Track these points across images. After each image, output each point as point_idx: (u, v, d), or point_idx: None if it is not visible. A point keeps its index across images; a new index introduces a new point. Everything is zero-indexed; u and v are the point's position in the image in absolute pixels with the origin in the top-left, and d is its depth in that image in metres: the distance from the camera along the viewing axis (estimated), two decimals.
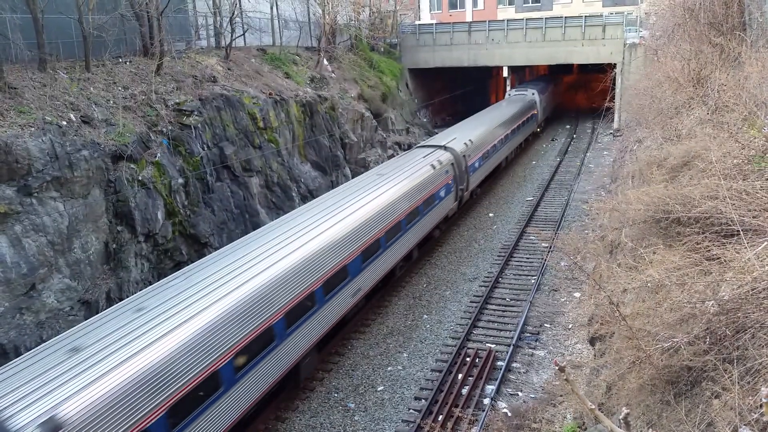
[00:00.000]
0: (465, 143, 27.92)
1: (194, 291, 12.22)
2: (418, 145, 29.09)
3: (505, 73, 48.90)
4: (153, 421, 9.82)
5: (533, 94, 47.33)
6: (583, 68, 69.12)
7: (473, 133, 30.39)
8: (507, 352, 17.18)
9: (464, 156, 27.00)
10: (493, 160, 33.64)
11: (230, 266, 13.44)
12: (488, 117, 36.59)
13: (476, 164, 29.14)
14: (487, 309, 20.13)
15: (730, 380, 6.21)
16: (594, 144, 45.45)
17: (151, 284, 17.98)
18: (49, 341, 10.76)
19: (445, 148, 26.22)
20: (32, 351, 10.42)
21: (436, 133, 34.87)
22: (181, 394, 10.41)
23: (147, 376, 9.87)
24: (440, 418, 14.40)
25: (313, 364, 16.02)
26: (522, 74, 63.11)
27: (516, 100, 45.03)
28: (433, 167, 23.52)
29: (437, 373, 16.41)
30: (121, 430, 9.27)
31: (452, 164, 25.44)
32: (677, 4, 23.09)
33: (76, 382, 9.09)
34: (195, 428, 10.81)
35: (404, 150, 35.56)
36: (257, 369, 12.67)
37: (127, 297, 14.27)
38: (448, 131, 31.96)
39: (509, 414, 14.35)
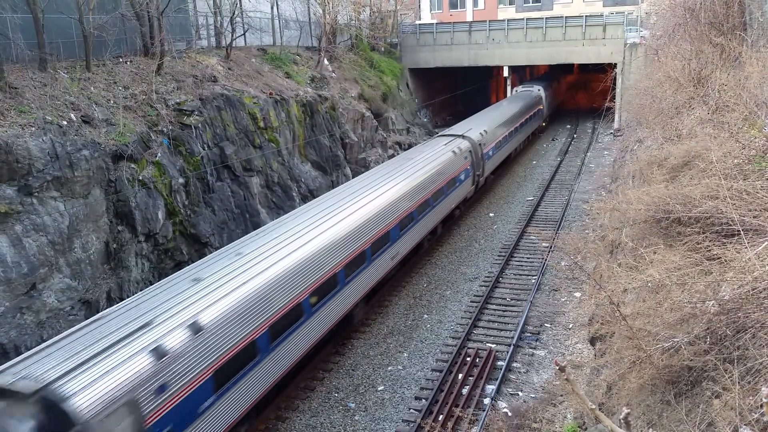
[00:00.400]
0: (480, 133, 30.21)
1: (278, 241, 15.17)
2: (439, 134, 31.18)
3: (506, 73, 48.88)
4: (259, 335, 12.83)
5: (539, 90, 48.66)
6: (584, 68, 69.19)
7: (488, 124, 32.70)
8: (507, 352, 17.18)
9: (480, 144, 29.40)
10: (505, 150, 36.03)
11: (302, 225, 16.48)
12: (500, 110, 38.70)
13: (490, 152, 31.57)
14: (487, 309, 20.13)
15: (731, 380, 6.20)
16: (594, 144, 45.44)
17: (151, 284, 18.06)
18: (174, 275, 13.83)
19: (463, 137, 28.50)
20: (163, 281, 13.49)
21: (437, 133, 36.22)
22: (275, 318, 13.42)
23: (253, 300, 12.76)
24: (440, 417, 14.40)
25: (362, 313, 19.37)
26: (522, 74, 63.13)
27: (523, 95, 46.36)
28: (454, 153, 25.94)
29: (437, 373, 16.41)
30: (237, 337, 12.16)
31: (470, 151, 27.87)
32: (678, 3, 23.09)
33: (204, 300, 11.95)
34: (287, 344, 13.98)
35: (404, 150, 35.60)
36: (326, 306, 15.80)
37: (128, 297, 14.29)
38: (464, 122, 33.89)
39: (510, 414, 14.35)
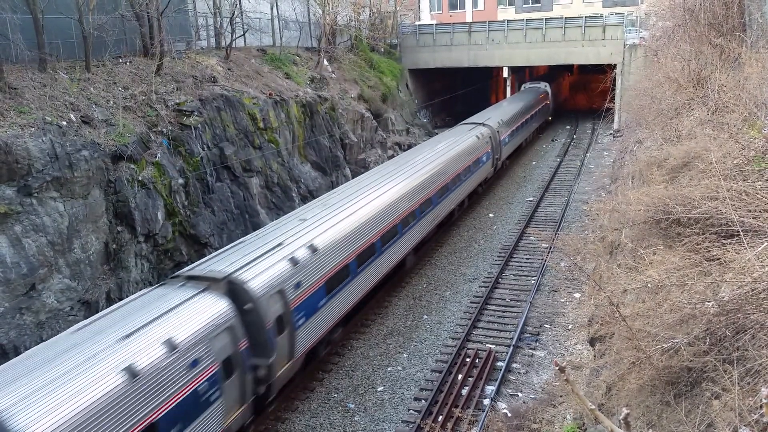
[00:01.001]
0: (498, 122, 34.63)
1: (352, 198, 19.45)
2: (461, 123, 35.02)
3: (505, 74, 48.91)
4: (350, 261, 17.22)
5: (545, 86, 52.70)
6: (583, 69, 69.27)
7: (503, 114, 37.20)
8: (507, 353, 17.18)
9: (498, 131, 33.79)
10: (518, 138, 40.47)
11: (368, 187, 20.79)
12: (513, 103, 43.05)
13: (506, 139, 36.03)
14: (487, 309, 20.13)
15: (730, 381, 6.20)
16: (594, 145, 45.45)
17: (151, 284, 18.06)
18: (283, 216, 19.21)
19: (483, 124, 32.91)
20: (277, 221, 18.43)
21: (437, 134, 37.58)
22: (359, 251, 17.77)
23: (346, 235, 17.16)
24: (440, 418, 14.39)
25: (413, 260, 23.75)
26: (522, 75, 63.19)
27: (532, 90, 50.44)
28: (477, 138, 30.52)
29: (437, 374, 16.40)
30: (341, 257, 16.76)
31: (490, 137, 32.33)
32: (677, 4, 23.09)
33: (314, 232, 16.30)
34: (366, 272, 18.25)
35: (404, 150, 35.71)
36: (390, 249, 20.12)
37: (127, 297, 14.29)
38: (483, 113, 38.20)
39: (509, 414, 14.35)
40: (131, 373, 10.13)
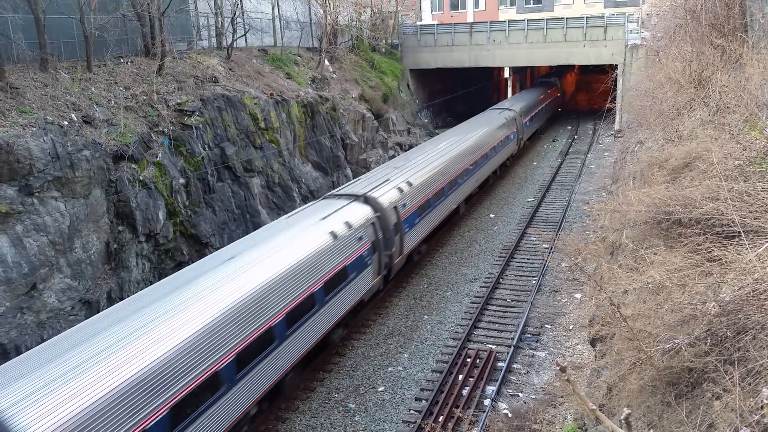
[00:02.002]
0: (520, 107, 40.64)
1: (423, 158, 25.30)
2: (490, 108, 40.89)
3: (507, 74, 48.90)
4: (429, 198, 23.50)
5: (555, 80, 58.01)
6: (584, 69, 69.37)
7: (524, 102, 43.25)
8: (508, 353, 17.18)
9: (520, 115, 39.84)
10: (536, 122, 46.57)
11: (433, 151, 26.81)
12: (529, 93, 49.58)
13: (528, 122, 42.36)
14: (487, 310, 20.13)
15: (731, 382, 6.20)
16: (595, 145, 45.42)
17: (151, 283, 18.04)
18: (381, 166, 25.93)
19: (509, 109, 38.66)
20: (375, 169, 25.25)
21: (437, 134, 37.88)
22: (433, 192, 23.90)
23: (428, 178, 23.53)
24: (441, 418, 14.39)
25: (464, 209, 29.85)
26: (523, 75, 63.27)
27: (544, 83, 55.97)
28: (506, 119, 36.56)
29: (438, 374, 16.40)
30: (423, 194, 22.73)
31: (514, 119, 38.17)
32: (678, 5, 23.07)
33: (408, 174, 22.65)
34: (436, 209, 24.34)
35: (405, 150, 35.76)
36: (451, 194, 26.13)
37: (128, 297, 14.29)
38: (506, 101, 44.24)
39: (510, 415, 14.34)
40: (334, 235, 16.32)
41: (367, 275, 18.20)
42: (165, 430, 10.41)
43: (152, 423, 10.12)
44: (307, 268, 14.79)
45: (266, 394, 13.67)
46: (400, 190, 20.98)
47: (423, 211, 22.69)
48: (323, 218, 17.03)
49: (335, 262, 16.01)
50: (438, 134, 39.25)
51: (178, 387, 10.72)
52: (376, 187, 20.51)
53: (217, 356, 11.64)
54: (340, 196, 19.67)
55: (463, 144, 28.59)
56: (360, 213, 18.23)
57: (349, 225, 17.15)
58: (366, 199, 19.36)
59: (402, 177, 22.10)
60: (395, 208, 20.19)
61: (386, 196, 20.05)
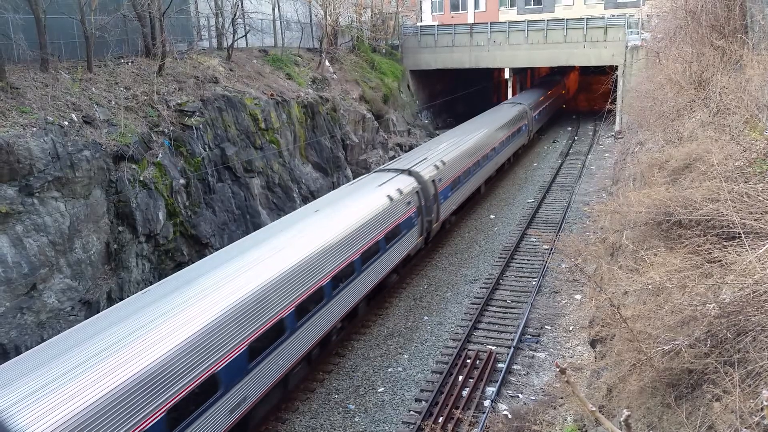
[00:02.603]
0: (529, 103, 44.01)
1: (448, 143, 28.91)
2: (504, 102, 44.71)
3: (507, 75, 48.92)
4: (459, 176, 27.08)
5: (560, 77, 62.10)
6: (585, 70, 69.44)
7: (532, 97, 46.87)
8: (507, 354, 17.17)
9: (530, 108, 43.36)
10: (544, 116, 50.10)
11: (454, 138, 30.38)
12: (538, 89, 52.91)
13: (536, 116, 45.98)
14: (487, 311, 20.13)
15: (731, 383, 6.19)
16: (595, 146, 45.43)
17: (151, 283, 18.03)
18: (416, 148, 30.02)
19: (520, 103, 42.38)
20: (414, 149, 29.96)
21: (438, 134, 38.01)
22: (461, 172, 27.48)
23: (455, 159, 26.75)
24: (440, 419, 14.39)
25: (485, 189, 33.68)
26: (523, 76, 63.33)
27: (551, 80, 59.86)
28: (518, 111, 40.14)
29: (438, 375, 16.40)
30: (454, 171, 26.51)
31: (525, 113, 41.61)
32: (679, 6, 23.07)
33: (440, 155, 26.14)
34: (463, 186, 27.99)
35: (405, 152, 35.79)
36: (473, 175, 29.70)
37: (128, 297, 14.27)
38: (516, 97, 47.52)
39: (510, 416, 14.33)
40: (390, 198, 19.86)
41: (413, 234, 21.99)
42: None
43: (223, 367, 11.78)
44: (373, 222, 18.54)
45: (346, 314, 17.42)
46: (436, 167, 24.45)
47: (455, 185, 26.46)
48: (380, 185, 20.78)
49: (391, 220, 19.82)
50: (438, 134, 39.93)
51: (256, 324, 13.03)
52: (417, 164, 24.04)
53: (321, 275, 15.56)
54: (388, 170, 23.18)
55: (483, 131, 32.19)
56: (407, 182, 21.83)
57: (400, 191, 20.76)
58: (410, 173, 22.75)
59: (436, 156, 25.78)
60: (433, 181, 23.69)
61: (426, 170, 23.54)
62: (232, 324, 12.01)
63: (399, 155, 34.95)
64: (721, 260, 7.88)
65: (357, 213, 18.28)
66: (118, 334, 10.56)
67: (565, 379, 6.47)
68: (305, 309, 14.78)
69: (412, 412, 14.93)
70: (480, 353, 17.27)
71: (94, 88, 20.52)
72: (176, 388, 10.41)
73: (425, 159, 24.89)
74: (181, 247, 20.73)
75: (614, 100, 36.52)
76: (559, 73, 64.16)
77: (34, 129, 16.84)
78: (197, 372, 10.91)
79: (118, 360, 9.92)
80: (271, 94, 28.04)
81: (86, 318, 15.62)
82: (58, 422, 8.79)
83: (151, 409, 9.94)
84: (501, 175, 37.63)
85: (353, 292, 17.51)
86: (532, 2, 59.64)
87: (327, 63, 36.75)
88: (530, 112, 43.12)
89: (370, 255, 18.34)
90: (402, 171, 22.79)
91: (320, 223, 17.03)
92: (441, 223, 24.99)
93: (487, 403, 15.14)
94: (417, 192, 22.08)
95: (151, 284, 18.44)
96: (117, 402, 9.48)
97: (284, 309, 13.78)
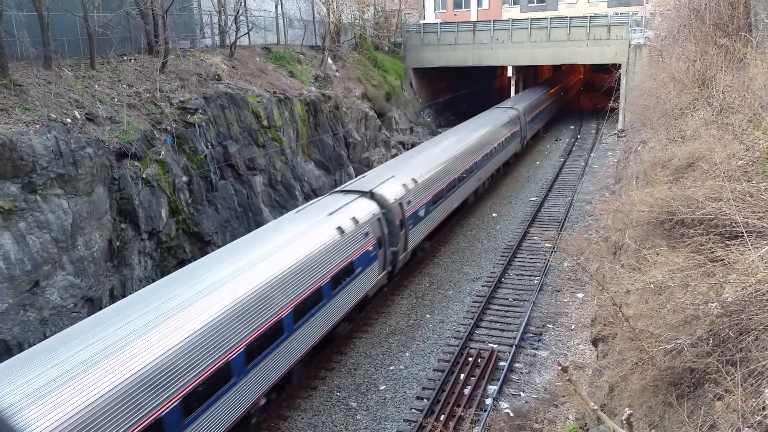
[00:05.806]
0: (524, 107, 41.68)
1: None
2: (495, 107, 41.69)
3: (510, 73, 48.83)
4: (442, 189, 24.65)
5: (561, 76, 63.33)
6: (587, 69, 69.28)
7: (527, 102, 43.86)
8: (509, 353, 17.17)
9: (524, 114, 40.92)
10: (541, 120, 47.98)
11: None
12: (536, 91, 50.63)
13: (530, 122, 43.31)
14: (489, 309, 20.12)
15: (733, 382, 6.19)
16: (598, 145, 45.37)
17: (154, 281, 18.08)
18: (383, 164, 26.90)
19: (512, 108, 39.94)
20: (381, 166, 26.19)
21: (440, 133, 38.08)
22: (450, 180, 25.62)
23: (436, 174, 24.15)
24: (442, 417, 14.39)
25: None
26: (526, 74, 63.21)
27: (551, 80, 60.12)
28: (509, 117, 37.60)
29: (439, 373, 16.41)
30: (433, 188, 23.72)
31: (518, 118, 39.24)
32: (683, 4, 23.03)
33: (412, 171, 22.95)
34: (454, 194, 26.44)
35: (407, 149, 35.77)
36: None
37: (130, 294, 14.30)
38: (509, 100, 44.94)
39: (511, 414, 14.34)
40: (340, 230, 16.59)
41: (373, 270, 18.64)
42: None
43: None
44: (314, 262, 15.19)
45: (271, 387, 13.92)
46: (405, 187, 21.27)
47: (429, 207, 23.35)
48: (330, 214, 17.53)
49: (342, 257, 16.52)
50: (440, 131, 39.84)
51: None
52: (382, 183, 20.65)
53: (228, 347, 11.98)
54: (347, 192, 20.07)
55: (466, 142, 29.31)
56: (366, 208, 18.72)
57: (355, 221, 17.58)
58: (372, 195, 19.62)
59: (407, 173, 22.44)
60: (400, 204, 20.46)
61: (392, 191, 20.44)
62: None
63: (401, 153, 34.92)
64: (723, 259, 7.87)
65: (291, 254, 14.62)
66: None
67: (567, 378, 6.48)
68: (203, 395, 11.19)
69: (413, 410, 14.95)
70: (482, 351, 17.27)
71: (96, 86, 20.54)
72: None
73: (393, 177, 21.43)
74: (184, 245, 20.76)
75: (617, 99, 36.47)
76: (561, 71, 64.09)
77: (37, 126, 16.86)
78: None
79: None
80: (274, 92, 28.04)
81: (89, 315, 15.66)
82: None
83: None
84: (502, 174, 37.57)
85: (281, 358, 13.77)
86: (535, 0, 59.47)
87: (330, 61, 36.73)
88: (524, 118, 40.25)
89: (308, 306, 14.63)
90: (363, 193, 19.46)
91: (234, 273, 13.17)
92: (410, 252, 21.78)
93: (488, 401, 15.14)
94: (378, 219, 18.78)
95: (153, 280, 18.50)
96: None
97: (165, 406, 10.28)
